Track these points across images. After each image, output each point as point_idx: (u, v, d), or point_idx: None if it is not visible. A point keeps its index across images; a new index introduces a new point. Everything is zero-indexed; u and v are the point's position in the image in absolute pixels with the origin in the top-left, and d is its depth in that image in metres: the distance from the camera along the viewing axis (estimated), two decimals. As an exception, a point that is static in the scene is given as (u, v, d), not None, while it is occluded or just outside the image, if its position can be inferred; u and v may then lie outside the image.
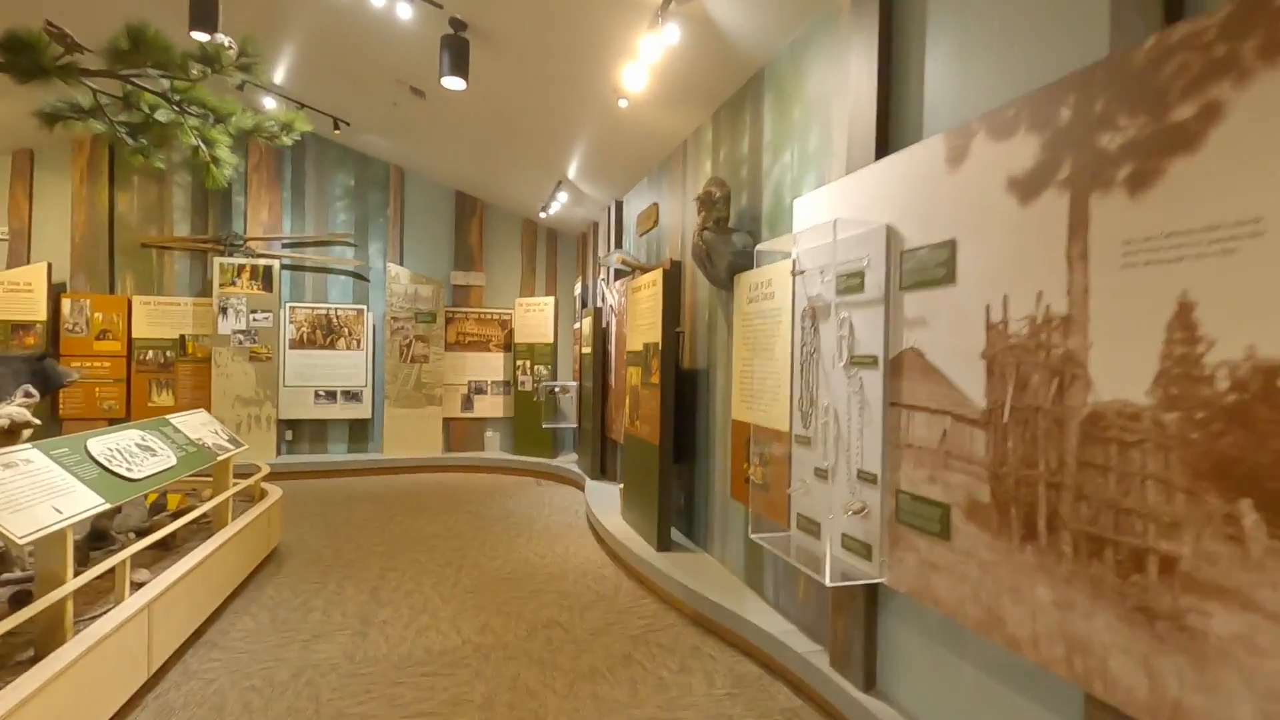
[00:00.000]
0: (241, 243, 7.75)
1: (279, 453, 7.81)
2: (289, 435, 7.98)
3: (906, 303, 2.23)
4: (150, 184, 7.63)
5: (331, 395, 8.05)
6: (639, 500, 4.66)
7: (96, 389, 7.38)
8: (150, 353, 7.57)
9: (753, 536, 2.95)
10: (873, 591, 2.54)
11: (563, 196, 6.98)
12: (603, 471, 6.86)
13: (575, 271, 8.90)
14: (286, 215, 8.02)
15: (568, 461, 7.84)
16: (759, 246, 2.96)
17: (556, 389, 7.99)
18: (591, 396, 6.87)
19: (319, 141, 8.04)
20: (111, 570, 2.76)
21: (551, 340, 8.21)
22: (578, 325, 7.97)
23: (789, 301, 2.96)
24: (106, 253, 7.49)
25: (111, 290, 7.55)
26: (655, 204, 5.49)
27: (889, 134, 2.51)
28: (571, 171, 6.52)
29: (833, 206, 2.68)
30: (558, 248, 8.96)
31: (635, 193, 6.23)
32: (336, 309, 8.08)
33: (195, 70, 2.95)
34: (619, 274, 6.60)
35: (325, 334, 8.05)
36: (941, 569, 2.05)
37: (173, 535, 3.75)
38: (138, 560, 3.38)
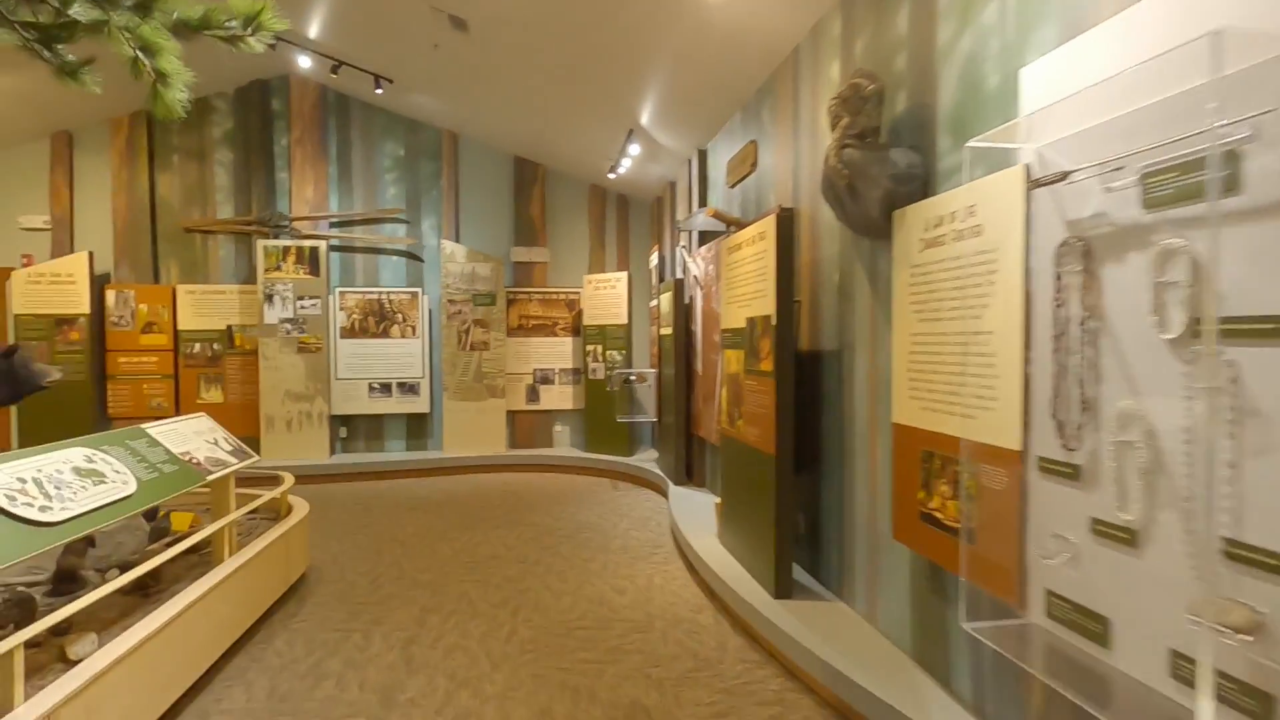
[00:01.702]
0: (287, 224, 7.09)
1: (333, 452, 7.16)
2: (343, 433, 7.32)
3: (1393, 199, 1.03)
4: (191, 163, 7.06)
5: (386, 388, 7.33)
6: (745, 525, 3.57)
7: (144, 385, 6.91)
8: (197, 345, 7.03)
9: (967, 627, 1.81)
10: (1237, 761, 1.36)
11: (635, 150, 5.90)
12: (689, 475, 5.79)
13: (650, 241, 7.81)
14: (333, 191, 7.30)
15: (647, 460, 6.82)
16: (972, 142, 1.78)
17: (632, 377, 6.97)
18: (673, 386, 5.81)
19: (364, 108, 7.26)
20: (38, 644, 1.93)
21: (625, 321, 7.18)
22: (654, 303, 6.91)
23: (1017, 237, 1.78)
24: (149, 239, 6.98)
25: (156, 279, 7.04)
26: (753, 142, 4.33)
27: (1276, -116, 1.28)
28: (645, 117, 5.42)
29: (1116, 57, 1.48)
30: (629, 215, 7.90)
31: (724, 135, 5.07)
32: (389, 293, 7.33)
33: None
34: (704, 239, 5.48)
35: (378, 321, 7.32)
36: None
37: (154, 575, 2.95)
38: (98, 614, 2.58)
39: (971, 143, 1.77)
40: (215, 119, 7.08)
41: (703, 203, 5.50)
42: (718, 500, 4.16)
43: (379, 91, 6.39)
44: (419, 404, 7.39)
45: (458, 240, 7.47)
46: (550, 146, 7.06)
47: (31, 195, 6.82)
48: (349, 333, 7.26)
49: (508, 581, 3.95)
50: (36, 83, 5.96)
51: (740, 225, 4.13)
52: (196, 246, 7.11)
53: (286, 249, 6.92)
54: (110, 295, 6.82)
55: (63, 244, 6.84)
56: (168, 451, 2.96)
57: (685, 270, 5.88)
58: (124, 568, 3.06)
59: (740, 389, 3.62)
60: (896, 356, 2.42)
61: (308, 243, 6.96)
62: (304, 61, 6.13)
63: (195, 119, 7.02)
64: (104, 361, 6.84)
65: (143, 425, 3.05)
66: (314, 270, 6.97)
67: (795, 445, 3.18)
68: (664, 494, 5.95)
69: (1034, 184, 1.68)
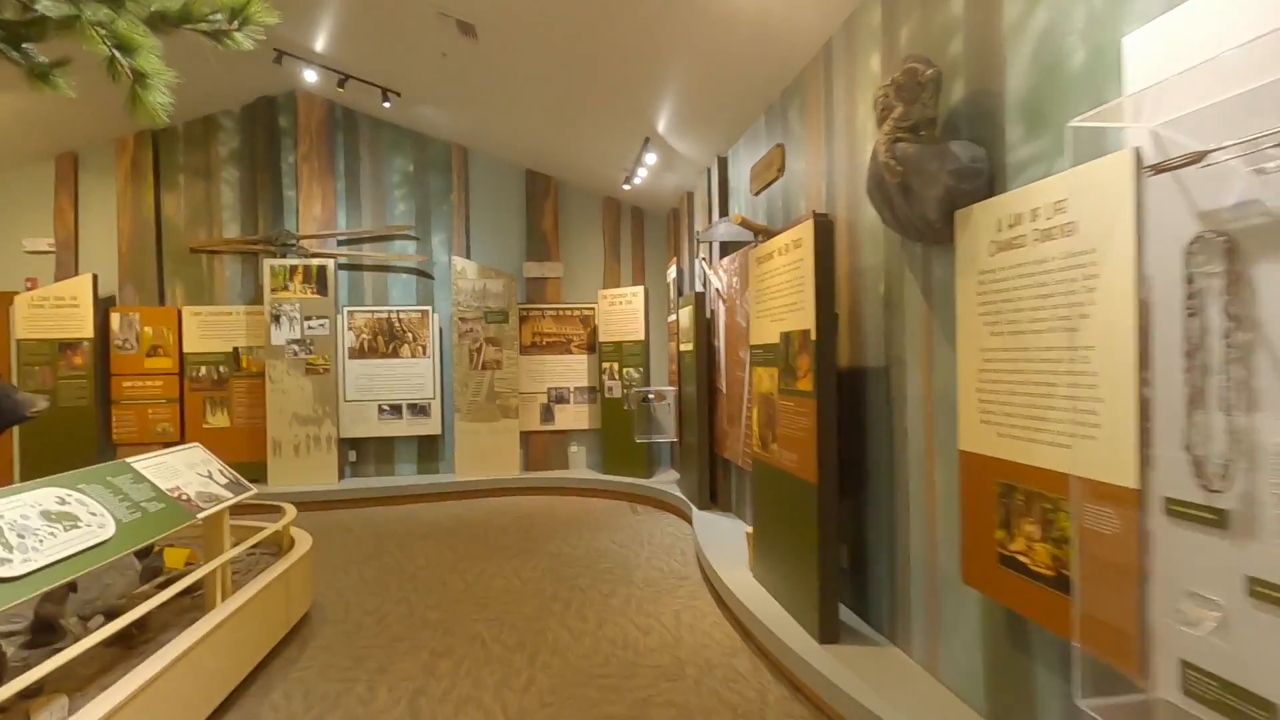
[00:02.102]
0: (294, 242, 6.91)
1: (341, 476, 6.93)
2: (353, 456, 7.09)
3: None
4: (197, 181, 6.91)
5: (396, 410, 7.10)
6: (782, 558, 3.27)
7: (149, 410, 6.72)
8: (203, 369, 6.85)
9: (1084, 705, 1.51)
10: None
11: (651, 159, 5.67)
12: (713, 499, 5.49)
13: (667, 254, 7.57)
14: (341, 208, 7.13)
15: (667, 482, 6.52)
16: (1075, 122, 1.51)
17: (650, 396, 6.70)
18: (695, 405, 5.52)
19: (372, 123, 7.11)
20: (3, 710, 1.68)
21: (642, 337, 6.93)
22: (673, 318, 6.66)
23: (1126, 234, 1.50)
24: (155, 260, 6.83)
25: (161, 301, 6.88)
26: (779, 146, 4.08)
27: None
28: (662, 124, 5.19)
29: (1255, 13, 1.21)
30: (645, 228, 7.67)
31: (746, 141, 4.83)
32: (399, 311, 7.12)
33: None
34: (725, 250, 5.22)
35: (387, 340, 7.11)
36: None
37: (140, 624, 2.70)
38: (75, 670, 2.32)
39: (1074, 122, 1.50)
40: (221, 137, 6.94)
41: (724, 212, 5.25)
42: (749, 529, 3.86)
43: (387, 105, 6.22)
44: (430, 426, 7.15)
45: (468, 256, 7.26)
46: (562, 158, 6.86)
47: (36, 218, 6.69)
48: (358, 353, 7.06)
49: (524, 620, 3.66)
50: (41, 103, 5.84)
51: (769, 234, 3.87)
52: (202, 267, 6.95)
53: (294, 268, 6.74)
54: (115, 318, 6.66)
55: (67, 266, 6.70)
56: (154, 488, 2.72)
57: (706, 283, 5.62)
58: (110, 614, 2.82)
59: (774, 410, 3.34)
60: (963, 375, 2.13)
61: (315, 261, 6.78)
62: (310, 76, 5.98)
63: (201, 137, 6.90)
64: (108, 386, 6.66)
65: (129, 460, 2.81)
66: (322, 290, 6.78)
67: (838, 471, 2.89)
68: (686, 519, 5.65)
69: (1154, 169, 1.40)
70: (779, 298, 3.27)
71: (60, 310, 6.43)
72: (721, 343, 5.20)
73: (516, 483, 6.95)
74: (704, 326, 5.46)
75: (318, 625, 3.64)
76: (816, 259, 2.85)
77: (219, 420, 6.84)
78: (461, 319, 6.98)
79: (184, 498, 2.81)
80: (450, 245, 7.26)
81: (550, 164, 7.14)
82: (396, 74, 5.90)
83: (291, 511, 3.87)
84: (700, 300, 5.46)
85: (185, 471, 3.01)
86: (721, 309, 5.17)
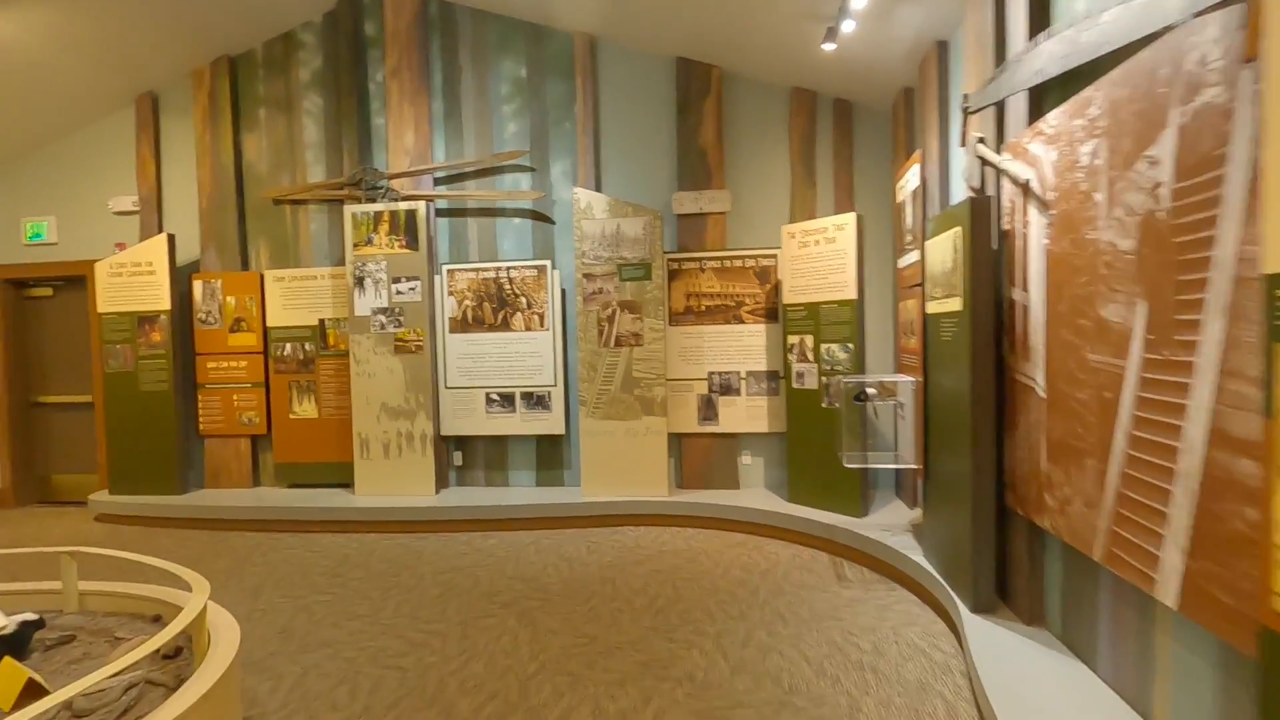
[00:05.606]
0: (384, 185, 5.36)
1: (442, 485, 5.33)
2: (458, 459, 5.48)
3: None
4: (278, 115, 5.61)
5: (508, 399, 5.33)
6: None
7: (234, 396, 5.61)
8: (288, 346, 5.59)
9: None
10: None
11: (878, -36, 3.13)
12: (1003, 594, 2.92)
13: (895, 160, 4.89)
14: (438, 135, 5.45)
15: (893, 525, 4.01)
16: None
17: (869, 390, 4.19)
18: (962, 411, 2.96)
19: (475, 16, 5.31)
20: None
21: (853, 295, 4.38)
22: (910, 259, 4.07)
23: None
24: (236, 216, 5.65)
25: (244, 265, 5.72)
26: None
27: None
28: None
29: None
30: (854, 127, 5.05)
31: None
32: (509, 268, 5.31)
33: None
34: (1037, 107, 2.59)
35: (495, 307, 5.34)
36: None
37: None
38: None
39: None
40: (302, 56, 5.56)
41: (1036, 28, 2.59)
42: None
43: (470, -34, 4.32)
44: (551, 422, 5.29)
45: (598, 188, 5.23)
46: (730, 30, 4.51)
47: (121, 175, 5.82)
48: (460, 325, 5.37)
49: None
50: (119, 32, 4.80)
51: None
52: (286, 221, 5.67)
53: (378, 216, 5.18)
54: (197, 287, 5.61)
55: (151, 228, 5.76)
56: None
57: (988, 185, 3.01)
58: None
59: None
60: None
61: (403, 206, 5.16)
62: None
63: (281, 59, 5.58)
64: (194, 367, 5.65)
65: None
66: (412, 242, 5.16)
67: None
68: (939, 610, 3.16)
69: None
70: None
71: (137, 278, 5.47)
72: (1037, 292, 2.60)
73: (663, 508, 4.86)
74: (988, 263, 2.86)
75: None
76: None
77: (306, 409, 5.55)
78: (586, 276, 4.98)
79: None
80: (574, 176, 5.28)
81: (712, 44, 4.82)
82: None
83: (204, 588, 2.09)
84: (979, 213, 2.86)
85: None
86: (1037, 223, 2.56)
